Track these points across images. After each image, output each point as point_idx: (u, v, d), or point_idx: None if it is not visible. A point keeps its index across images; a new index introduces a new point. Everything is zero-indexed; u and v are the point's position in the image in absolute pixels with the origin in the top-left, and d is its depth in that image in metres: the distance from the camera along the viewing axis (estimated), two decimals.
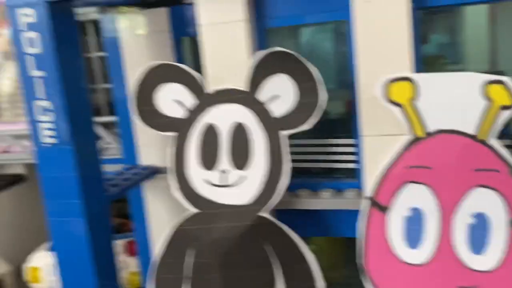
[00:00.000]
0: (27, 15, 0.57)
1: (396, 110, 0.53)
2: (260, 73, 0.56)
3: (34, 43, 0.58)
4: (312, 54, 0.65)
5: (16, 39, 0.58)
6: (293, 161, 0.64)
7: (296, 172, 0.64)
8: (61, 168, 0.61)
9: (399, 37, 0.52)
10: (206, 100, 0.58)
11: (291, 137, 0.64)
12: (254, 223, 0.57)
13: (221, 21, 0.58)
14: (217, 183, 0.58)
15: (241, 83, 0.57)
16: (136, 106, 0.60)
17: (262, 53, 0.55)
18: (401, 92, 0.52)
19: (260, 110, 0.57)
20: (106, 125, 0.89)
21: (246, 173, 0.57)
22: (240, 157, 0.57)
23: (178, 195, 0.59)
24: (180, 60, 0.74)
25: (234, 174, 0.58)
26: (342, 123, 0.63)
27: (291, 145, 0.64)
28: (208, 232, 0.57)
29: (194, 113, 0.59)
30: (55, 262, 0.66)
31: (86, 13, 0.92)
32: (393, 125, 0.54)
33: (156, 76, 0.60)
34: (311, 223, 0.61)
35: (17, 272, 0.92)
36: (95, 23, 0.92)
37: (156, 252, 0.61)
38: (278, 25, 0.59)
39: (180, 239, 0.59)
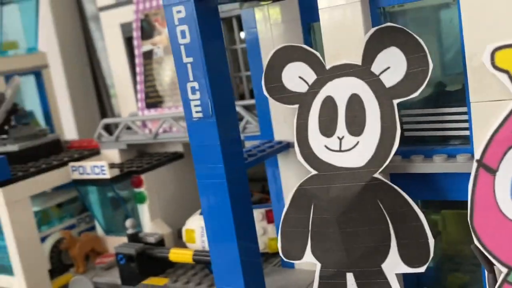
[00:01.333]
0: (179, 11, 0.69)
1: (502, 76, 0.55)
2: (372, 47, 0.62)
3: (185, 34, 0.70)
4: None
5: (172, 32, 0.72)
6: (409, 130, 0.69)
7: (411, 140, 0.69)
8: (207, 138, 0.73)
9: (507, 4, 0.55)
10: (325, 75, 0.66)
11: (407, 107, 0.69)
12: (368, 183, 0.63)
13: (338, 3, 0.65)
14: (335, 148, 0.66)
15: (356, 59, 0.64)
16: (265, 84, 0.70)
17: (374, 29, 0.61)
18: (507, 58, 0.55)
19: (373, 81, 0.63)
20: (248, 107, 1.01)
21: (360, 139, 0.64)
22: (356, 125, 0.64)
23: (300, 159, 0.68)
24: (309, 44, 0.83)
25: (351, 140, 0.64)
26: (456, 93, 0.66)
27: (407, 115, 0.69)
28: (326, 191, 0.65)
29: (315, 87, 0.67)
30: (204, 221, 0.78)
31: (231, 9, 1.05)
32: (500, 91, 0.56)
33: (282, 57, 0.69)
34: (424, 186, 0.66)
35: (177, 234, 1.08)
36: (239, 19, 1.05)
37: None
38: (390, 4, 0.65)
39: (301, 197, 0.67)
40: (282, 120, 0.88)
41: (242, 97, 1.07)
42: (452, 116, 0.65)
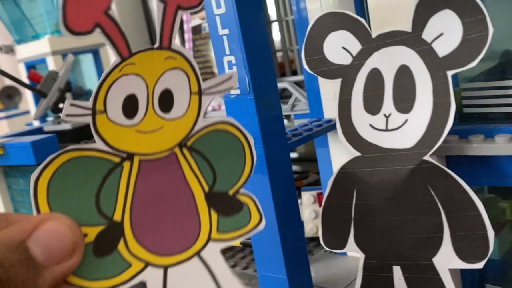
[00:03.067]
0: None
1: None
2: (423, 11, 0.54)
3: (220, 4, 0.65)
4: None
5: (207, 1, 0.67)
6: (469, 105, 0.60)
7: (471, 118, 0.60)
8: (245, 116, 0.68)
9: None
10: (371, 44, 0.59)
11: (468, 80, 0.60)
12: (418, 166, 0.55)
13: None
14: (380, 127, 0.58)
15: (405, 25, 0.56)
16: (306, 56, 0.64)
17: None
18: None
19: (424, 50, 0.55)
20: (299, 84, 0.94)
21: (410, 116, 0.56)
22: (405, 100, 0.56)
23: (342, 139, 0.61)
24: (360, 11, 0.75)
25: (398, 117, 0.57)
26: None
27: (467, 89, 0.61)
28: (371, 174, 0.58)
29: (360, 59, 0.60)
30: None
31: None
32: None
33: (324, 26, 0.62)
34: (485, 171, 0.57)
35: None
36: None
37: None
38: None
39: (343, 180, 0.61)
40: (332, 97, 0.81)
41: (294, 73, 1.01)
42: None
